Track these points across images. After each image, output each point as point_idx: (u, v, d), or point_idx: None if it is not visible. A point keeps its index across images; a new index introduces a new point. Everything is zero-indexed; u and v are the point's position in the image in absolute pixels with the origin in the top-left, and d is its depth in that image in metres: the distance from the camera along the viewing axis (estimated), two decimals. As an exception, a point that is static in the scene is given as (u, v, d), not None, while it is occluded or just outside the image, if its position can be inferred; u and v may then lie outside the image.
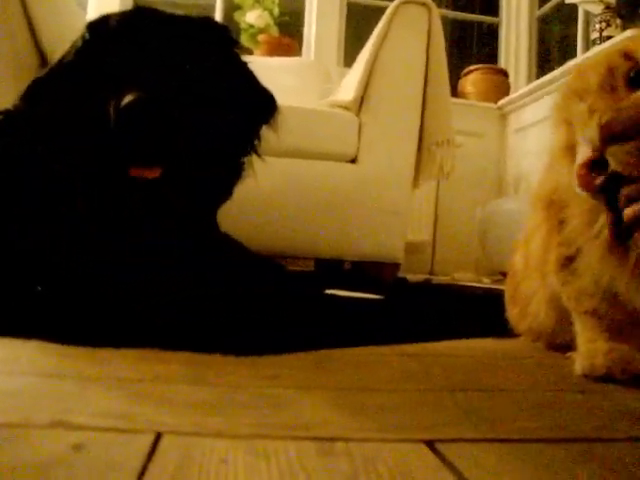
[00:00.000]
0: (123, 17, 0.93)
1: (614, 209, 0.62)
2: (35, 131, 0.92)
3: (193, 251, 0.94)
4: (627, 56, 0.64)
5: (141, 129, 0.84)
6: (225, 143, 0.95)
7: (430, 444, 0.44)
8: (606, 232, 0.64)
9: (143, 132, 0.84)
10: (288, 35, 3.43)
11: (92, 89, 0.88)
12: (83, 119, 0.88)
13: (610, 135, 0.58)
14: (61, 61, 0.96)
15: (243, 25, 3.26)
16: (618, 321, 0.74)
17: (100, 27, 0.93)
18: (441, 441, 0.45)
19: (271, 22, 3.27)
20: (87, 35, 0.94)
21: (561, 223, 0.74)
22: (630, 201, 0.60)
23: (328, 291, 1.47)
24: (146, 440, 0.41)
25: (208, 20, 1.04)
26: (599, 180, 0.61)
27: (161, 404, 0.51)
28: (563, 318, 0.83)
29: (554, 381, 0.70)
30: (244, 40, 3.24)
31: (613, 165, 0.58)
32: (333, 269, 2.33)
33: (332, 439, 0.44)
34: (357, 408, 0.53)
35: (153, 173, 0.88)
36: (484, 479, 0.38)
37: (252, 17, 3.21)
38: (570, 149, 0.67)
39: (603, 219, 0.65)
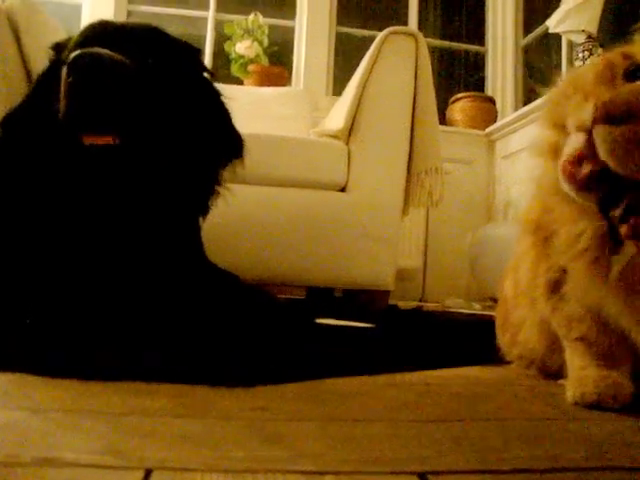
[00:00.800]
0: (87, 33, 0.93)
1: (604, 210, 0.61)
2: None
3: (179, 276, 0.93)
4: (626, 56, 0.65)
5: (92, 86, 0.81)
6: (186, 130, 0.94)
7: (422, 476, 0.44)
8: (591, 252, 0.64)
9: (94, 90, 0.81)
10: (278, 64, 3.47)
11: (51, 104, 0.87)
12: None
13: (604, 115, 0.57)
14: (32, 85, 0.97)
15: (233, 55, 3.29)
16: (608, 347, 0.74)
17: (62, 46, 0.94)
18: (433, 473, 0.44)
19: (261, 52, 3.31)
20: (52, 55, 0.95)
21: (549, 248, 0.75)
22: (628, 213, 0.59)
23: (319, 320, 1.47)
24: (136, 476, 0.41)
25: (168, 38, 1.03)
26: (586, 169, 0.59)
27: (150, 438, 0.50)
28: (554, 345, 0.83)
29: (545, 409, 0.70)
30: (234, 70, 3.27)
31: (601, 153, 0.57)
32: (324, 297, 2.32)
33: (322, 472, 0.43)
34: (347, 440, 0.52)
35: (107, 139, 0.84)
36: (476, 512, 0.38)
37: (242, 47, 3.25)
38: (557, 152, 0.66)
39: (588, 235, 0.65)
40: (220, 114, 1.06)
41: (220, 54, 3.49)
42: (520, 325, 0.90)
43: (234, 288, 1.00)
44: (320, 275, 1.96)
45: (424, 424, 0.60)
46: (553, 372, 0.86)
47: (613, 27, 3.13)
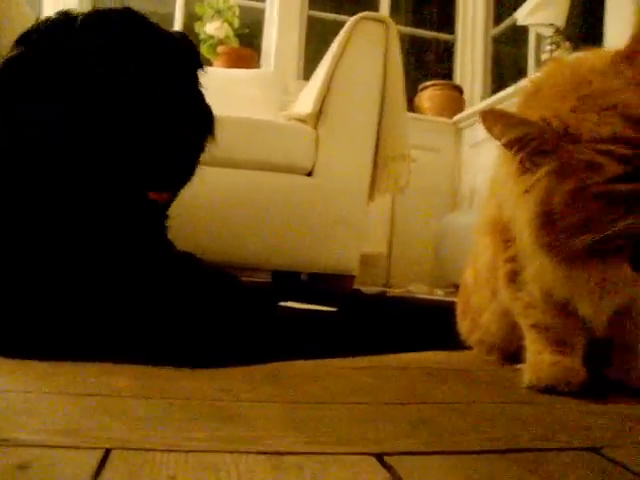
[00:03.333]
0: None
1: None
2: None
3: (141, 256, 0.92)
4: None
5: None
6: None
7: (379, 457, 0.44)
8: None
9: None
10: (248, 46, 3.43)
11: None
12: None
13: None
14: None
15: (203, 36, 3.25)
16: (563, 333, 0.77)
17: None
18: (390, 454, 0.45)
19: (231, 34, 3.27)
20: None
21: (507, 242, 0.76)
22: None
23: (283, 303, 1.47)
24: (94, 456, 0.41)
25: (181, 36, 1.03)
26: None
27: (111, 418, 0.50)
28: (513, 331, 0.85)
29: (502, 393, 0.72)
30: (203, 51, 3.23)
31: None
32: (290, 281, 2.33)
33: (282, 453, 0.44)
34: (308, 421, 0.53)
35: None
36: (430, 491, 0.39)
37: (212, 28, 3.21)
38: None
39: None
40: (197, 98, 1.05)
41: (189, 34, 3.43)
42: (480, 312, 0.92)
43: (196, 271, 0.99)
44: (285, 259, 1.96)
45: (383, 407, 0.61)
46: (512, 358, 0.88)
47: (580, 22, 3.18)
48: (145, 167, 0.94)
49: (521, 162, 0.64)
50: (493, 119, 0.64)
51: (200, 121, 1.00)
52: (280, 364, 0.80)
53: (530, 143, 0.62)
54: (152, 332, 0.78)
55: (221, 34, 3.23)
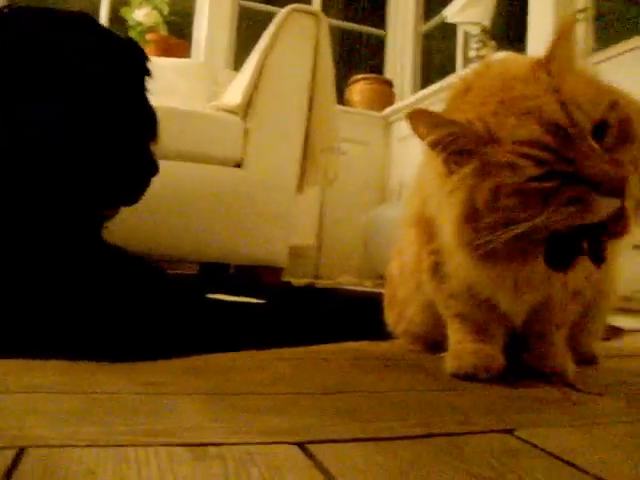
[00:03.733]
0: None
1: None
2: None
3: (64, 250, 0.90)
4: None
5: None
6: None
7: (302, 446, 0.45)
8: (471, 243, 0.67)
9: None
10: (178, 36, 3.37)
11: None
12: None
13: None
14: None
15: (131, 22, 3.16)
16: (483, 323, 0.80)
17: None
18: (313, 442, 0.46)
19: (160, 21, 3.20)
20: None
21: (431, 235, 0.78)
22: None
23: (211, 295, 1.46)
24: (7, 456, 0.39)
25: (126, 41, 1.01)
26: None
27: (31, 415, 0.49)
28: (437, 322, 0.87)
29: (425, 381, 0.74)
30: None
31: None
32: (218, 273, 2.31)
33: (205, 444, 0.44)
34: (232, 412, 0.53)
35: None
36: (351, 477, 0.40)
37: (140, 14, 3.13)
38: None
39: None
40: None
41: (116, 20, 3.34)
42: (406, 303, 0.94)
43: (120, 265, 0.97)
44: (214, 251, 1.94)
45: (306, 396, 0.62)
46: (436, 347, 0.91)
47: (505, 21, 3.29)
48: (95, 191, 0.93)
49: (445, 162, 0.66)
50: (418, 119, 0.65)
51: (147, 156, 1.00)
52: (205, 356, 0.80)
53: (453, 143, 0.64)
54: (72, 327, 0.76)
55: (150, 21, 3.16)
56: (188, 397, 0.59)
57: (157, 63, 3.03)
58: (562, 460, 0.46)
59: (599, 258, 0.63)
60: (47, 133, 0.85)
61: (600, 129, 0.60)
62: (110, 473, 0.38)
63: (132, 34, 3.12)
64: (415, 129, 0.66)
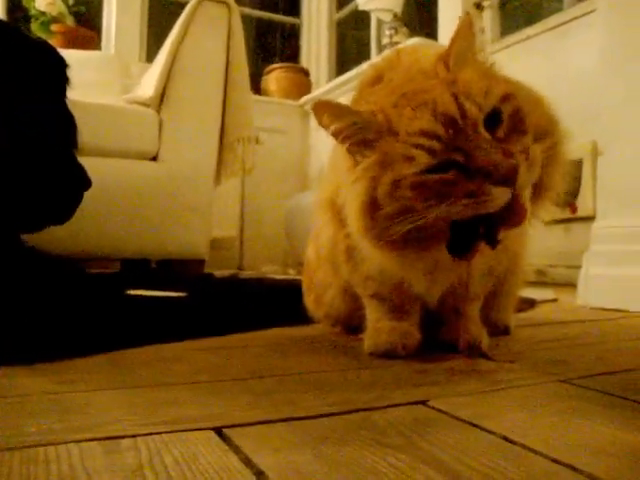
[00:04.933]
0: None
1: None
2: None
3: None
4: None
5: None
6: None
7: (218, 431, 0.45)
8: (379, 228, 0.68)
9: None
10: (86, 26, 3.24)
11: None
12: None
13: None
14: None
15: (33, 12, 3.00)
16: (399, 302, 0.82)
17: None
18: (229, 427, 0.46)
19: (65, 11, 3.06)
20: None
21: (344, 220, 0.79)
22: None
23: (132, 291, 1.43)
24: None
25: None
26: None
27: None
28: (356, 304, 0.89)
29: (344, 361, 0.75)
30: (35, 29, 2.99)
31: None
32: (139, 269, 2.26)
33: (119, 437, 0.44)
34: (149, 404, 0.53)
35: None
36: (266, 456, 0.40)
37: (43, 4, 2.98)
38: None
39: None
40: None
41: (16, 9, 3.18)
42: (324, 288, 0.95)
43: (32, 264, 0.94)
44: (133, 247, 1.90)
45: (225, 383, 0.62)
46: (356, 329, 0.92)
47: (417, 8, 3.36)
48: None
49: (350, 152, 0.68)
50: (322, 110, 0.66)
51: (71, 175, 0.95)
52: (124, 351, 0.79)
53: (356, 133, 0.66)
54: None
55: (54, 11, 3.02)
56: (104, 392, 0.58)
57: (65, 55, 2.92)
58: (472, 424, 0.48)
59: (493, 241, 0.65)
60: None
61: (493, 120, 0.62)
62: (16, 474, 0.37)
63: (35, 25, 2.98)
64: (319, 120, 0.67)
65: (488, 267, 0.82)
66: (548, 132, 0.67)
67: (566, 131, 0.71)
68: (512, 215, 0.62)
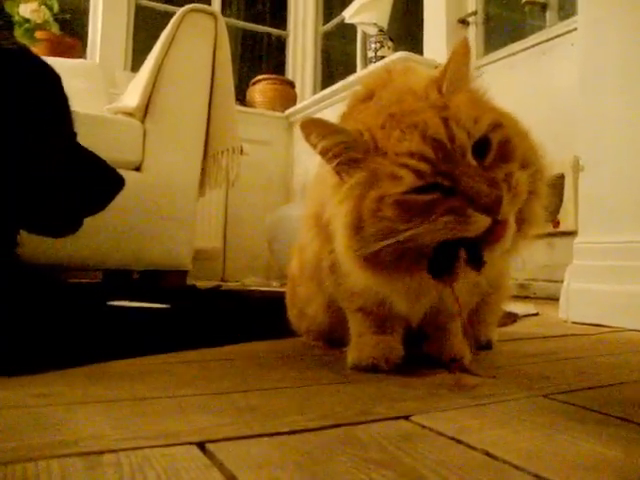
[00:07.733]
0: None
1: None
2: None
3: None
4: None
5: None
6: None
7: (201, 446, 0.45)
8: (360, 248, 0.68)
9: None
10: (71, 34, 3.23)
11: None
12: None
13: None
14: None
15: (17, 18, 2.98)
16: (383, 316, 0.82)
17: None
18: (212, 442, 0.46)
19: (50, 18, 3.04)
20: None
21: (329, 235, 0.80)
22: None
23: (114, 303, 1.42)
24: None
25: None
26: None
27: None
28: (339, 319, 0.89)
29: (327, 376, 0.75)
30: (18, 36, 2.96)
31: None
32: (121, 279, 2.25)
33: (100, 452, 0.43)
34: (131, 418, 0.52)
35: None
36: (249, 472, 0.40)
37: (27, 10, 2.96)
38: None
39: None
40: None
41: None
42: (308, 302, 0.95)
43: (12, 276, 0.93)
44: (115, 257, 1.89)
45: (209, 397, 0.62)
46: (339, 343, 0.92)
47: (403, 23, 3.39)
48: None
49: (337, 171, 0.68)
50: (310, 128, 0.67)
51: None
52: (105, 363, 0.78)
53: (343, 152, 0.66)
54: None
55: (39, 18, 3.00)
56: (85, 406, 0.57)
57: (50, 63, 2.90)
58: (455, 440, 0.48)
59: (478, 265, 0.65)
60: None
61: (481, 147, 0.63)
62: (-5, 492, 0.36)
63: (19, 32, 2.95)
64: (307, 138, 0.67)
65: (472, 286, 0.83)
66: (531, 163, 0.68)
67: (548, 164, 0.72)
68: (492, 239, 0.62)
